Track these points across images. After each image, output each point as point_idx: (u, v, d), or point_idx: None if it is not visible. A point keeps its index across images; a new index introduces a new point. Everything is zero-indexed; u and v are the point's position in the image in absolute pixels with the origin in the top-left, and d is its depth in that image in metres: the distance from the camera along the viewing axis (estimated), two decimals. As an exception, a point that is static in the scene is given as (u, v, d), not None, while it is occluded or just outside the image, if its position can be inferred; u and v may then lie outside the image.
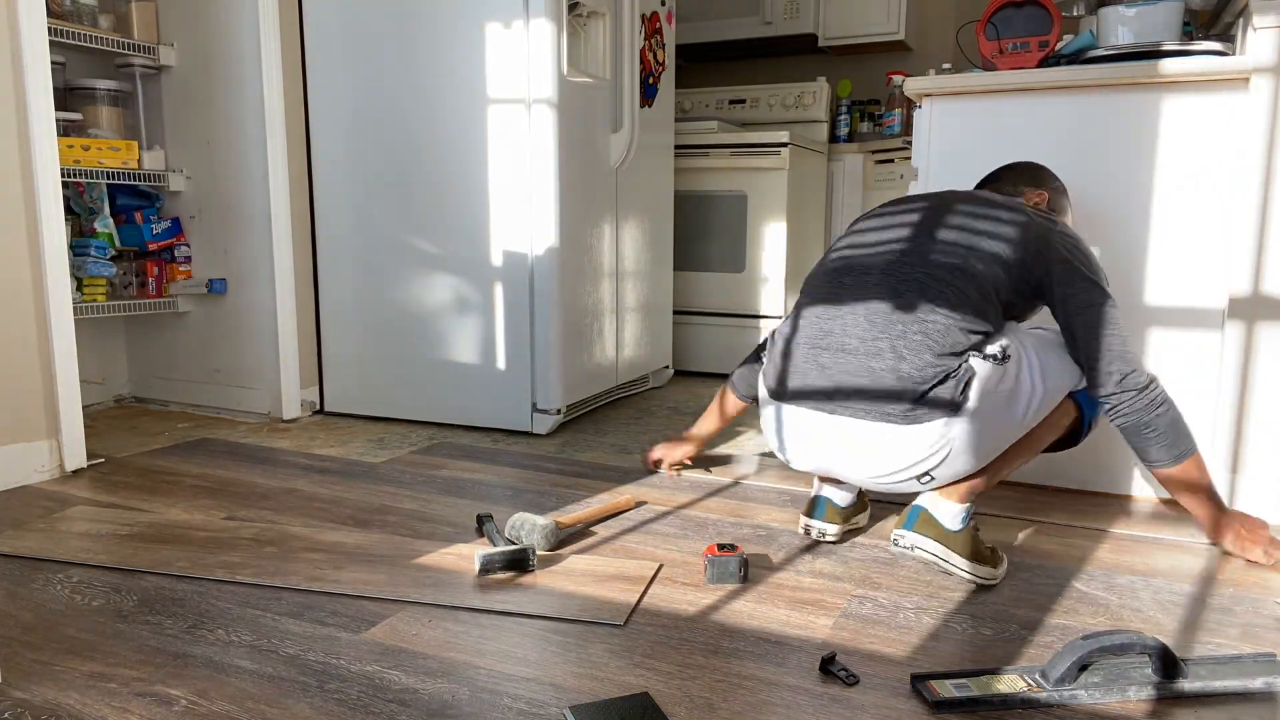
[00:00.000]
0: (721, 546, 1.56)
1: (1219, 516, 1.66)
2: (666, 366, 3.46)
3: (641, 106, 2.99)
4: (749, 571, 1.59)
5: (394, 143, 2.67)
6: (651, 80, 3.13)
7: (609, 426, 2.76)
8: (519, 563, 1.58)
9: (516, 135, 2.53)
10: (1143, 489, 2.02)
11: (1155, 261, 1.95)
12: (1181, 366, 1.95)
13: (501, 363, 2.64)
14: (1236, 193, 1.85)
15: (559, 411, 2.64)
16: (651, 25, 3.09)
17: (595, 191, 2.79)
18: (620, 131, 2.86)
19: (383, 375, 2.80)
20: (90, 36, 2.53)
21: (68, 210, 2.68)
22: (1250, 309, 1.83)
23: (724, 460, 2.35)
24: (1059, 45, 2.12)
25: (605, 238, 2.88)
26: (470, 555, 1.67)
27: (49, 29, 2.13)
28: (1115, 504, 1.99)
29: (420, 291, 2.71)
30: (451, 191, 2.63)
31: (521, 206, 2.55)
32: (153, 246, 2.82)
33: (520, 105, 2.51)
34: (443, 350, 2.71)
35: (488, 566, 1.56)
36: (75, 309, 2.49)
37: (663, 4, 3.16)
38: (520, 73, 2.49)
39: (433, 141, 2.62)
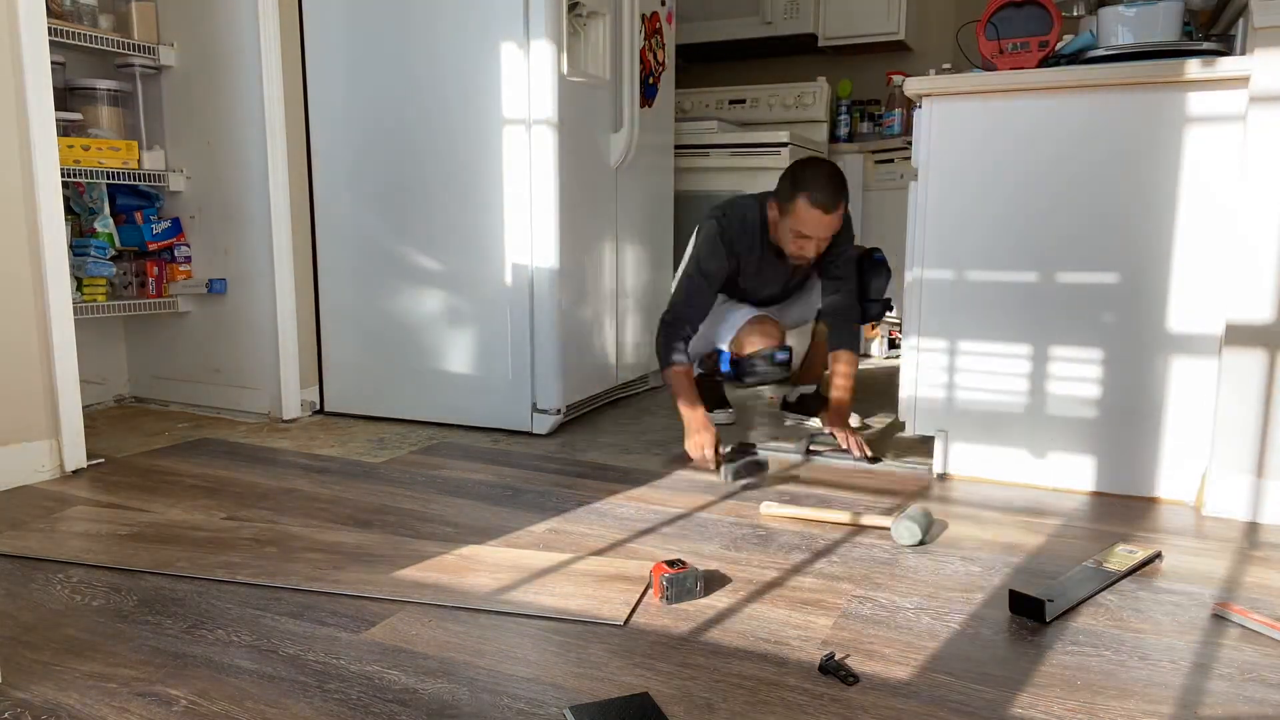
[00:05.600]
0: (671, 564, 1.50)
1: None
2: None
3: (641, 107, 2.99)
4: (706, 585, 1.51)
5: (394, 143, 2.67)
6: (651, 80, 3.13)
7: (609, 426, 2.76)
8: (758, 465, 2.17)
9: (517, 138, 2.53)
10: (1169, 491, 2.02)
11: (1156, 261, 1.95)
12: (1183, 356, 1.96)
13: (501, 363, 2.64)
14: (1237, 200, 1.84)
15: (559, 411, 2.64)
16: (651, 25, 3.09)
17: (595, 192, 2.79)
18: (620, 131, 2.86)
19: (383, 375, 2.80)
20: (90, 36, 2.53)
21: (68, 210, 2.68)
22: (1272, 329, 1.83)
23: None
24: (1059, 45, 2.12)
25: (605, 238, 2.87)
26: (471, 555, 1.67)
27: (49, 29, 2.13)
28: (1128, 506, 1.99)
29: (420, 291, 2.71)
30: (451, 192, 2.63)
31: (522, 207, 2.55)
32: (153, 246, 2.82)
33: (521, 106, 2.51)
34: (443, 350, 2.71)
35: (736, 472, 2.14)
36: (75, 309, 2.49)
37: (663, 4, 3.16)
38: (520, 76, 2.49)
39: (432, 142, 2.62)
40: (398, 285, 2.73)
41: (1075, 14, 2.37)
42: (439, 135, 2.61)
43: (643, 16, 3.00)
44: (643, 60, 3.02)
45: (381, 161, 2.70)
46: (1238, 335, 1.85)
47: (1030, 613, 1.41)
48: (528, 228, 2.56)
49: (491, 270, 2.61)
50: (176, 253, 2.86)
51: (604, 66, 2.79)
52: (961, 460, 2.19)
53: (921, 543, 1.73)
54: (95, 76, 2.73)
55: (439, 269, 2.67)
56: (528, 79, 2.49)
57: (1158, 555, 1.64)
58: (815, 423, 2.72)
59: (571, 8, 2.57)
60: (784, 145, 3.41)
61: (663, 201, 3.31)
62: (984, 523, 1.87)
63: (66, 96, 2.63)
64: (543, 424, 2.64)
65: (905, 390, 2.22)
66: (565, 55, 2.50)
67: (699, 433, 2.24)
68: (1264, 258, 1.81)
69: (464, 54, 2.54)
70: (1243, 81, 1.83)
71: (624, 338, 3.06)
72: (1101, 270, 2.00)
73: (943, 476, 2.20)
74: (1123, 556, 1.62)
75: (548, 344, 2.60)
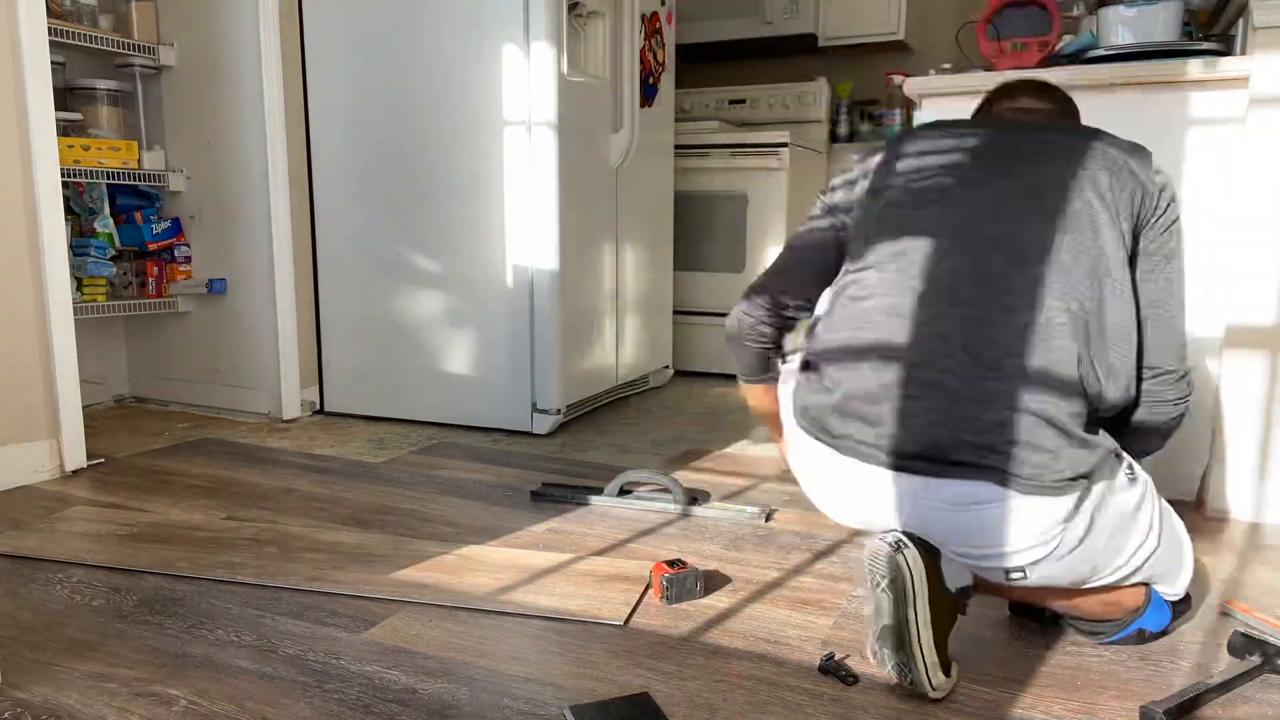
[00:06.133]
0: (671, 564, 1.49)
1: None
2: (666, 366, 3.45)
3: (641, 107, 2.98)
4: (705, 585, 1.51)
5: (394, 143, 2.67)
6: (651, 80, 3.13)
7: (609, 426, 2.76)
8: None
9: (517, 139, 2.53)
10: (1170, 491, 2.01)
11: (1155, 261, 1.95)
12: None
13: (501, 363, 2.64)
14: (1237, 200, 1.84)
15: (559, 411, 2.64)
16: (651, 25, 3.09)
17: (595, 192, 2.79)
18: (620, 132, 2.86)
19: (383, 376, 2.80)
20: (90, 36, 2.52)
21: (68, 210, 2.68)
22: (1274, 331, 1.83)
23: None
24: (1059, 45, 2.12)
25: (605, 238, 2.87)
26: (471, 555, 1.66)
27: (49, 29, 2.12)
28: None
29: (420, 291, 2.71)
30: (452, 192, 2.62)
31: (522, 208, 2.55)
32: (153, 246, 2.82)
33: (522, 107, 2.51)
34: (443, 350, 2.71)
35: None
36: (75, 309, 2.48)
37: (663, 4, 3.16)
38: (520, 76, 2.49)
39: (433, 142, 2.62)
40: (398, 286, 2.73)
41: (1075, 14, 2.37)
42: (439, 136, 2.61)
43: (643, 16, 3.00)
44: (643, 60, 3.02)
45: (381, 162, 2.70)
46: (1239, 337, 1.85)
47: (1029, 613, 1.41)
48: (528, 228, 2.56)
49: (492, 270, 2.61)
50: (176, 253, 2.86)
51: (604, 66, 2.79)
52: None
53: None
54: (95, 76, 2.73)
55: (439, 269, 2.67)
56: (528, 79, 2.48)
57: None
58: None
59: (571, 8, 2.57)
60: (784, 145, 3.41)
61: (663, 201, 3.30)
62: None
63: (66, 96, 2.63)
64: (543, 424, 2.64)
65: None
66: (565, 56, 2.49)
67: None
68: (1265, 259, 1.80)
69: (464, 54, 2.54)
70: (1243, 81, 1.83)
71: (624, 337, 3.06)
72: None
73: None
74: None
75: (547, 344, 2.59)
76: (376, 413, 2.84)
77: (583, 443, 2.56)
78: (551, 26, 2.44)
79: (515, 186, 2.55)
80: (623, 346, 3.06)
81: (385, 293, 2.75)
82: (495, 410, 2.67)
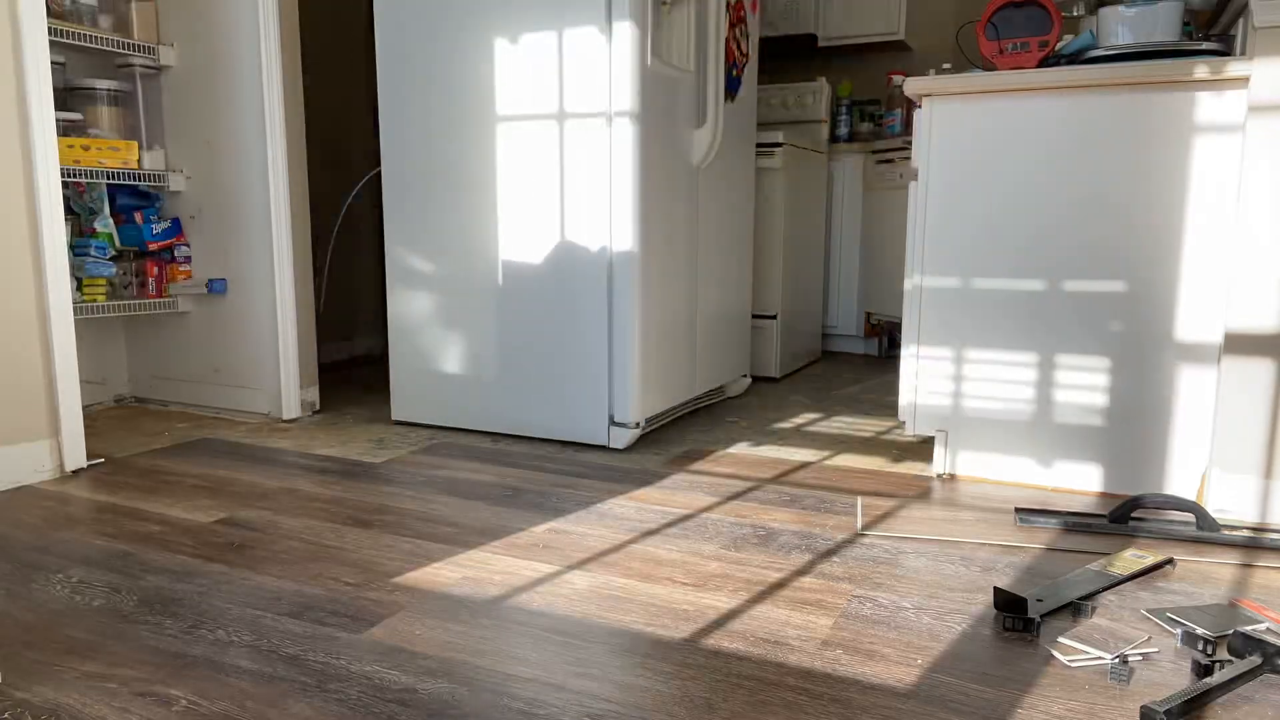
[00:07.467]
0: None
1: None
2: (745, 375, 3.27)
3: (725, 100, 2.80)
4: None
5: (456, 133, 2.52)
6: (735, 72, 2.94)
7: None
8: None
9: (595, 131, 2.35)
10: (1173, 492, 2.02)
11: (1157, 261, 1.95)
12: (1188, 360, 1.96)
13: (577, 373, 2.47)
14: (1237, 201, 1.84)
15: (638, 425, 2.47)
16: (736, 13, 2.91)
17: (676, 192, 2.59)
18: (704, 127, 2.67)
19: (442, 385, 2.66)
20: (90, 36, 2.53)
21: (68, 210, 2.68)
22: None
23: None
24: (1059, 45, 2.12)
25: (686, 241, 2.68)
26: (471, 559, 1.66)
27: (49, 29, 2.13)
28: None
29: (486, 298, 2.57)
30: (528, 190, 2.47)
31: (600, 208, 2.38)
32: (153, 246, 2.82)
33: (600, 97, 2.33)
34: (511, 360, 2.56)
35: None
36: (75, 309, 2.49)
37: None
38: (600, 63, 2.31)
39: (502, 133, 2.47)
40: (466, 298, 2.58)
41: (1075, 14, 2.37)
42: (507, 122, 2.46)
43: (727, 4, 2.80)
44: (726, 50, 2.81)
45: (453, 151, 2.53)
46: (1239, 339, 1.85)
47: (1013, 609, 1.39)
48: (606, 230, 2.38)
49: (565, 276, 2.44)
50: (176, 253, 2.86)
51: (688, 56, 2.60)
52: (963, 460, 2.19)
53: None
54: (95, 76, 2.73)
55: (507, 273, 2.52)
56: (609, 66, 2.30)
57: (1169, 561, 1.63)
58: None
59: None
60: (778, 146, 3.40)
61: (745, 201, 3.11)
62: (986, 523, 1.87)
63: (66, 96, 2.63)
64: (620, 438, 2.46)
65: (905, 396, 2.22)
66: (650, 42, 2.32)
67: None
68: (1266, 261, 1.80)
69: (539, 37, 2.37)
70: (1243, 82, 1.83)
71: (703, 346, 2.87)
72: (1101, 267, 2.00)
73: (942, 476, 2.20)
74: (1130, 561, 1.62)
75: (626, 353, 2.41)
76: (433, 421, 2.70)
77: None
78: (636, 7, 2.26)
79: (593, 186, 2.37)
80: (702, 355, 2.87)
81: (457, 308, 2.60)
82: (569, 423, 2.50)
